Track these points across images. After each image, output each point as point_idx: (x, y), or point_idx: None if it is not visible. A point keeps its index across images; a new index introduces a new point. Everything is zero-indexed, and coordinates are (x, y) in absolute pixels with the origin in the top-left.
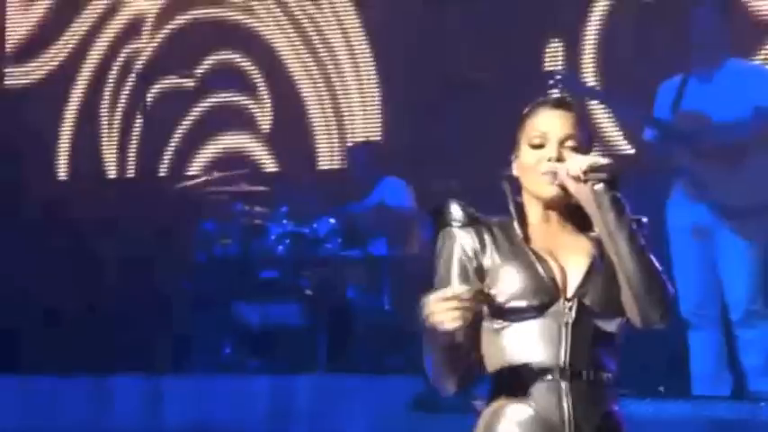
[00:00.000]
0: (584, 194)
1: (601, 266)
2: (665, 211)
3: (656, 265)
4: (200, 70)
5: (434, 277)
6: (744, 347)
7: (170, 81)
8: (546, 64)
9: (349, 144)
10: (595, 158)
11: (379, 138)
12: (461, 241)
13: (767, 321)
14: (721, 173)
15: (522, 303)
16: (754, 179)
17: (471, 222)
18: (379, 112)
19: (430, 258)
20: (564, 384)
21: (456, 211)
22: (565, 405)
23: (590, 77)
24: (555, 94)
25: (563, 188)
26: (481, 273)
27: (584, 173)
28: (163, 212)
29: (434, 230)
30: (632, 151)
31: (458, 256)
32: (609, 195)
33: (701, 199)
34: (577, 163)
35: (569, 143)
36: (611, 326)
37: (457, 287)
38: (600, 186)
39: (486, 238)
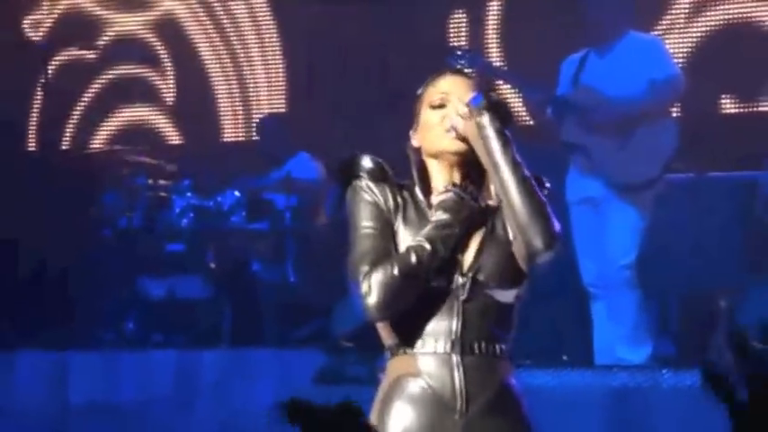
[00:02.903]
0: (471, 130)
1: (495, 238)
2: (564, 184)
3: (541, 195)
4: (101, 42)
5: (352, 233)
6: (633, 315)
7: (71, 53)
8: (450, 37)
9: (259, 117)
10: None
11: (283, 111)
12: (376, 193)
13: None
14: (613, 147)
15: None
16: (642, 153)
17: (384, 178)
18: (284, 83)
19: (337, 229)
20: (455, 358)
21: (368, 163)
22: (457, 378)
23: (494, 52)
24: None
25: (464, 141)
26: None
27: (467, 104)
28: (66, 186)
29: (341, 185)
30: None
31: (375, 206)
32: (494, 126)
33: (595, 173)
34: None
35: None
36: (507, 297)
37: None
38: (485, 118)
39: (398, 198)
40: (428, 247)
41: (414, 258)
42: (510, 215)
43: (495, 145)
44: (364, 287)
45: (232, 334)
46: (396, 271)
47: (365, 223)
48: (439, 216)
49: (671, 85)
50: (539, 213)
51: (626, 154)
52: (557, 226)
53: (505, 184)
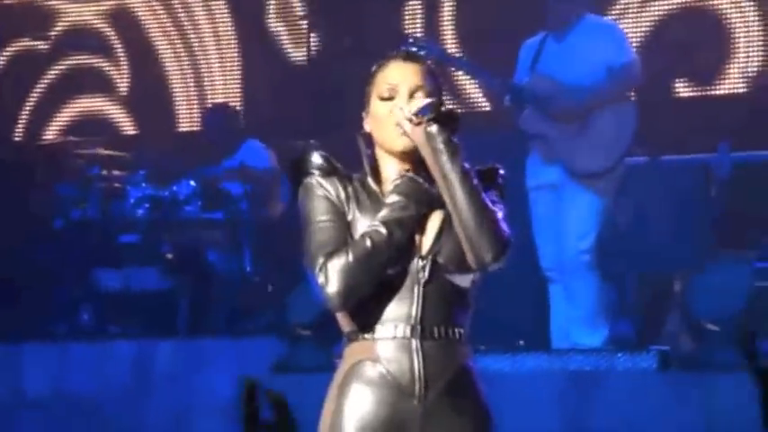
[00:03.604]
0: (419, 137)
1: (453, 221)
2: (523, 170)
3: (490, 206)
4: (54, 32)
5: (307, 229)
6: (589, 299)
7: (24, 43)
8: (405, 25)
9: (206, 107)
10: (425, 100)
11: (238, 99)
12: (327, 188)
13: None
14: (572, 136)
15: None
16: (600, 140)
17: (333, 171)
18: (239, 73)
19: (293, 218)
20: (414, 342)
21: (317, 159)
22: (415, 363)
23: (449, 39)
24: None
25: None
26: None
27: (415, 114)
28: (19, 177)
29: (293, 183)
30: (489, 109)
31: (328, 200)
32: (442, 137)
33: (554, 160)
34: (408, 105)
35: (419, 94)
36: (464, 281)
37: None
38: (433, 128)
39: (349, 189)
40: (383, 230)
41: (369, 243)
42: (458, 228)
43: (444, 157)
44: (321, 278)
45: (188, 324)
46: (351, 258)
47: (319, 218)
48: (393, 198)
49: (628, 72)
50: (487, 228)
51: (584, 141)
52: (506, 234)
53: (454, 197)
